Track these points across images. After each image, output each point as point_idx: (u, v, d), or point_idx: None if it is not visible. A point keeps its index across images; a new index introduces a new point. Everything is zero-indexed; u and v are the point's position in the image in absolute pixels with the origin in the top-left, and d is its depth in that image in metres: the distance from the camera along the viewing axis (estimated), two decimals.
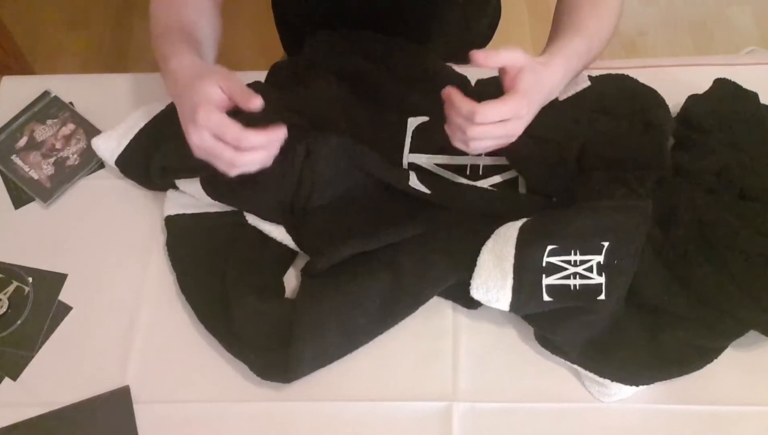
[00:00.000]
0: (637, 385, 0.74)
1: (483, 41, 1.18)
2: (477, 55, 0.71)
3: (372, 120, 0.90)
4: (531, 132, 0.79)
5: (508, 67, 0.73)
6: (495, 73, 0.88)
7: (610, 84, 0.90)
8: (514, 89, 0.72)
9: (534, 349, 0.78)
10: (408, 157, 0.87)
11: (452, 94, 0.73)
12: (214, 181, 0.79)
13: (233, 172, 0.71)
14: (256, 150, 0.69)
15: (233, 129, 0.67)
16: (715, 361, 0.74)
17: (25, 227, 0.88)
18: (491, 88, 0.85)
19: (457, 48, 1.11)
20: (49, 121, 0.94)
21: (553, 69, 0.76)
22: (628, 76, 0.90)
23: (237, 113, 0.75)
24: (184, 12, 0.82)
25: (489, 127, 0.72)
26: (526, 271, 0.73)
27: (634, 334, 0.76)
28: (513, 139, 0.75)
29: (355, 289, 0.77)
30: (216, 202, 0.83)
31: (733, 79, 0.89)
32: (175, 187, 0.86)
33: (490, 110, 0.71)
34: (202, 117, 0.67)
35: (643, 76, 0.90)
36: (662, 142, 0.85)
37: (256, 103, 0.69)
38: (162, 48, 0.78)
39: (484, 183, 0.86)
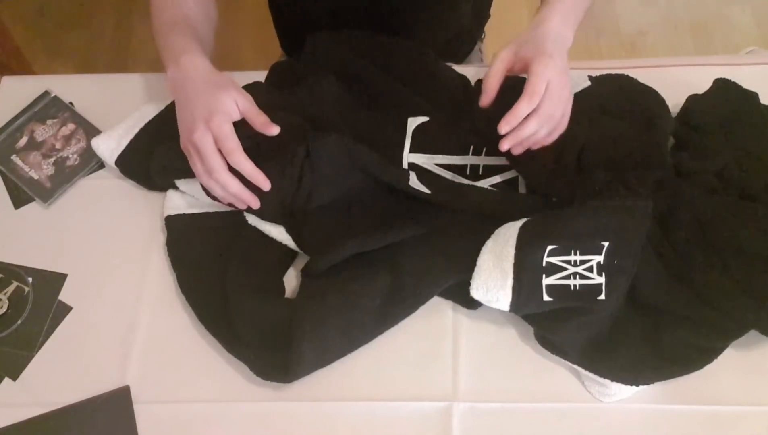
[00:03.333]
0: (637, 385, 0.74)
1: (477, 29, 1.17)
2: (484, 101, 0.76)
3: (372, 120, 0.90)
4: None
5: (509, 70, 0.74)
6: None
7: (610, 84, 0.90)
8: (529, 72, 0.74)
9: (534, 349, 0.78)
10: (408, 157, 0.87)
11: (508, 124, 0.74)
12: None
13: (203, 180, 0.75)
14: (232, 181, 0.74)
15: (232, 143, 0.72)
16: (715, 361, 0.74)
17: (25, 227, 0.88)
18: None
19: (445, 40, 1.10)
20: (49, 121, 0.94)
21: (547, 24, 0.78)
22: (628, 76, 0.90)
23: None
24: (185, 5, 0.84)
25: (542, 111, 0.74)
26: (526, 271, 0.73)
27: (634, 334, 0.76)
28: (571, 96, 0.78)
29: (355, 289, 0.77)
30: (216, 202, 0.83)
31: (733, 79, 0.89)
32: (175, 187, 0.86)
33: (524, 105, 0.73)
34: (215, 123, 0.72)
35: (643, 76, 0.90)
36: (662, 142, 0.85)
37: (273, 130, 0.74)
38: (169, 39, 0.80)
39: (484, 183, 0.86)
